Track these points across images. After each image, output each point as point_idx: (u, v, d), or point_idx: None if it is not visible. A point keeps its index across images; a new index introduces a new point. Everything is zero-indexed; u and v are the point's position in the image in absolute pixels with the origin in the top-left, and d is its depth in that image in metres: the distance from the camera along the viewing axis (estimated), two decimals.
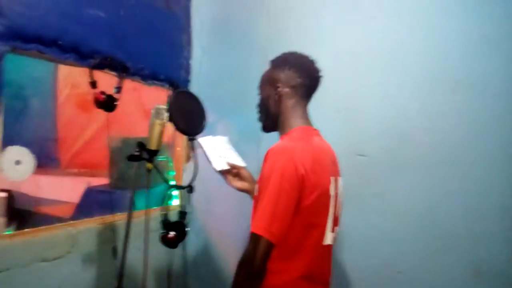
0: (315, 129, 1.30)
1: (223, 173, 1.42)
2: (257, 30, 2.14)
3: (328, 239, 1.19)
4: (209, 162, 1.39)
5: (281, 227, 1.05)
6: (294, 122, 1.27)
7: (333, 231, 1.23)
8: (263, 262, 1.04)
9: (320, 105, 1.89)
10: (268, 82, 1.31)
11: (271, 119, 1.31)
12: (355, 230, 1.77)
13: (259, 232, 1.04)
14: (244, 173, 1.46)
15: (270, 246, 1.04)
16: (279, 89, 1.27)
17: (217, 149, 1.46)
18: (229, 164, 1.43)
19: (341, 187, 1.32)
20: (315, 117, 2.00)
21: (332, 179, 1.21)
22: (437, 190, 1.63)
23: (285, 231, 1.07)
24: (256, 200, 1.12)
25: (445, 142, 1.62)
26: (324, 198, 1.17)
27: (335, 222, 1.25)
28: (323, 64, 1.88)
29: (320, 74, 1.32)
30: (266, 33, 2.11)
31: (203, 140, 1.45)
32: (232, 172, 1.44)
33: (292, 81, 1.27)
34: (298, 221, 1.10)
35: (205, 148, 1.42)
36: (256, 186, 1.15)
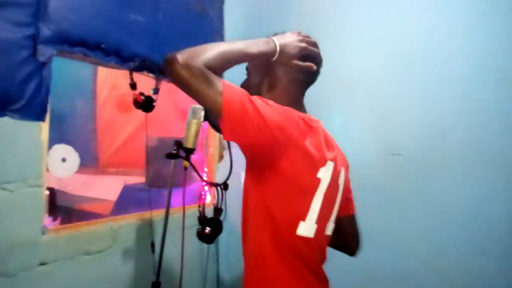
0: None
1: None
2: (288, 31, 2.15)
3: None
4: None
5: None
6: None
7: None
8: None
9: (352, 103, 1.90)
10: (263, 67, 1.06)
11: None
12: (392, 231, 1.75)
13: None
14: None
15: None
16: (278, 79, 1.05)
17: None
18: None
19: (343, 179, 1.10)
20: (347, 115, 1.96)
21: (330, 163, 0.99)
22: (476, 190, 1.58)
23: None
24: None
25: (484, 140, 1.57)
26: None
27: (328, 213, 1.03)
28: (358, 63, 1.89)
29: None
30: None
31: None
32: None
33: (293, 74, 1.05)
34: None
35: None
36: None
